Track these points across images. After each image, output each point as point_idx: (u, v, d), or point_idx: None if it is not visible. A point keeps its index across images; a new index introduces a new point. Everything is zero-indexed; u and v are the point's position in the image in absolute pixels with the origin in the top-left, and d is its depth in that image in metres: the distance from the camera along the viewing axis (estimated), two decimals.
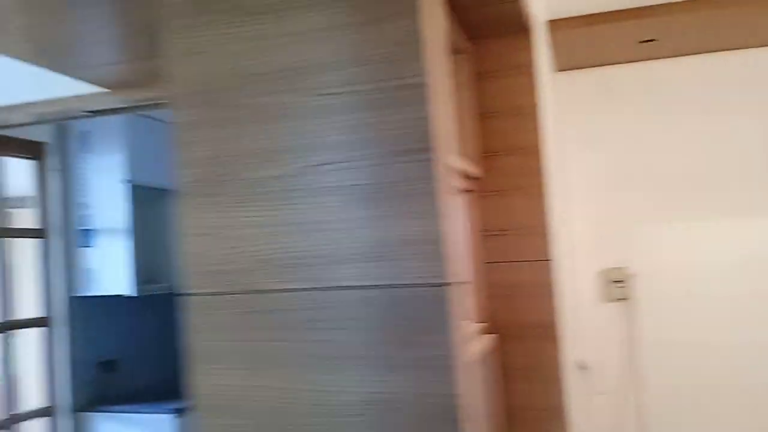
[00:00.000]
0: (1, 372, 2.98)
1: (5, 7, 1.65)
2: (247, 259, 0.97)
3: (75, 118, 2.53)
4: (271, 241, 0.95)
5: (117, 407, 3.20)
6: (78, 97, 2.38)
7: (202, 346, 0.98)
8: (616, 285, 2.88)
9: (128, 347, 3.57)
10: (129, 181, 3.22)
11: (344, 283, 0.92)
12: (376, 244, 0.90)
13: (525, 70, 1.75)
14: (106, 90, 2.35)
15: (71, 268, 3.23)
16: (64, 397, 3.17)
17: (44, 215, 3.20)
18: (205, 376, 0.98)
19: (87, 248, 3.23)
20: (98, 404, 3.23)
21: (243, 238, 0.97)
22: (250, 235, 0.97)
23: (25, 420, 3.07)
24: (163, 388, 3.56)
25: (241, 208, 0.97)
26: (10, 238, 3.04)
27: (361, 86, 0.91)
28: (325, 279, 0.93)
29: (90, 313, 3.33)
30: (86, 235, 3.23)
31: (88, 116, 2.52)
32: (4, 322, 3.00)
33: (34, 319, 3.15)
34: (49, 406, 3.16)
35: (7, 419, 2.99)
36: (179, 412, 3.09)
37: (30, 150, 3.17)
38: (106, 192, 3.22)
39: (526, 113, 1.74)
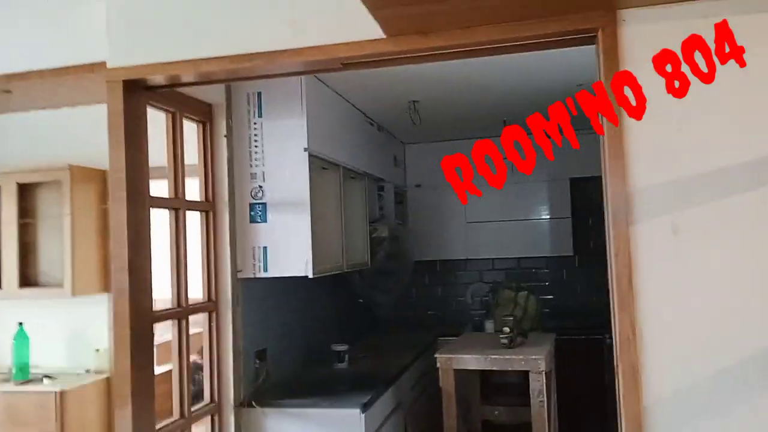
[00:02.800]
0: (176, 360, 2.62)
1: None
2: None
3: (329, 70, 2.18)
4: None
5: (289, 401, 2.87)
6: (347, 45, 2.04)
7: None
8: None
9: (280, 334, 3.23)
10: (306, 150, 2.87)
11: None
12: None
13: None
14: (380, 36, 2.02)
15: (240, 246, 2.87)
16: (230, 390, 2.82)
17: (212, 186, 2.82)
18: None
19: (259, 224, 2.87)
20: (260, 398, 2.88)
21: None
22: None
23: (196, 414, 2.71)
24: (311, 379, 3.23)
25: None
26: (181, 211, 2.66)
27: None
28: None
29: (257, 297, 2.97)
30: (258, 210, 2.87)
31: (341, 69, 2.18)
32: (178, 309, 2.62)
33: (201, 304, 2.78)
34: (212, 403, 2.80)
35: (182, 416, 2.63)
36: (365, 407, 2.78)
37: (197, 111, 2.78)
38: (281, 161, 2.86)
39: None
